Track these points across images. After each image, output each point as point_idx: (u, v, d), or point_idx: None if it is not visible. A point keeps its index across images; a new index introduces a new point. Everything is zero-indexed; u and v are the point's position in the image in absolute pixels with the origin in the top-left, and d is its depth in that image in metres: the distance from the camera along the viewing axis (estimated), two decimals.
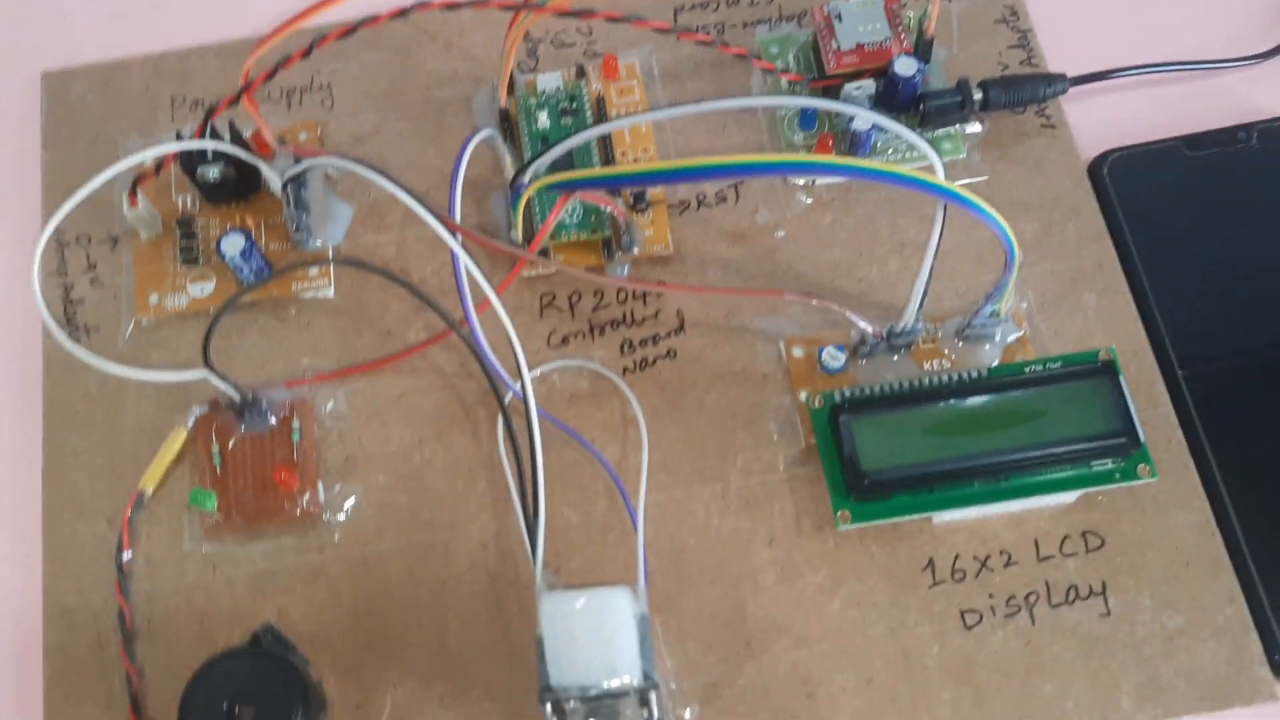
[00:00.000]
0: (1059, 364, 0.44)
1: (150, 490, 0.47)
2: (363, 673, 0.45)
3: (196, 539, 0.47)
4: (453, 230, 0.43)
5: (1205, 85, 0.53)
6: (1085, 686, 0.43)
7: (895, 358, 0.47)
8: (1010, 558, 0.45)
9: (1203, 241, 0.49)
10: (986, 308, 0.44)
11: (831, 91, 0.51)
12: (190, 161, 0.49)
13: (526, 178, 0.45)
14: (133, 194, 0.49)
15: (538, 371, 0.48)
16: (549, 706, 0.39)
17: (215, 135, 0.49)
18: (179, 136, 0.50)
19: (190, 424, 0.48)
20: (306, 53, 0.46)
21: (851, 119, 0.48)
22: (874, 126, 0.49)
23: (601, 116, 0.51)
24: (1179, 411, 0.47)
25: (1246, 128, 0.51)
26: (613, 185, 0.47)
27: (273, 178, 0.49)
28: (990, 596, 0.45)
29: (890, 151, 0.50)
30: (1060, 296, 0.49)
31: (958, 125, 0.51)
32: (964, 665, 0.44)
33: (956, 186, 0.38)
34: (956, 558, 0.45)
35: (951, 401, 0.43)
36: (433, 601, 0.46)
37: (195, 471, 0.48)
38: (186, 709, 0.42)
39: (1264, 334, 0.48)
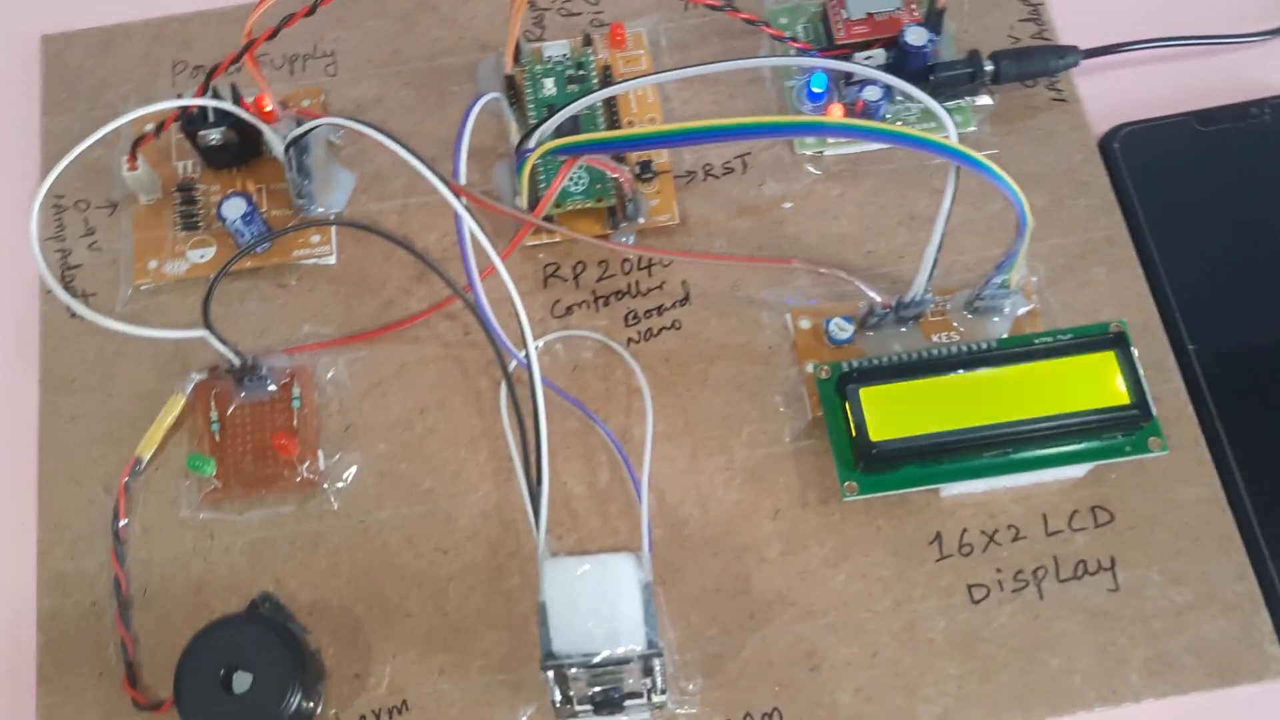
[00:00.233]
0: (1069, 335, 0.43)
1: (147, 457, 0.47)
2: (361, 642, 0.44)
3: (194, 506, 0.46)
4: (457, 193, 0.42)
5: (1218, 60, 0.53)
6: (1093, 662, 0.43)
7: (903, 329, 0.47)
8: (1018, 532, 0.45)
9: (1214, 216, 0.49)
10: (996, 277, 0.44)
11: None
12: (191, 125, 0.49)
13: (532, 143, 0.45)
14: (132, 156, 0.49)
15: (542, 341, 0.48)
16: (551, 674, 0.38)
17: (217, 97, 0.48)
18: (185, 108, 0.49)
19: (189, 390, 0.48)
20: (310, 10, 0.45)
21: (861, 88, 0.48)
22: (884, 98, 0.48)
23: (608, 85, 0.50)
24: (1189, 387, 0.46)
25: (1259, 103, 0.50)
26: (619, 148, 0.46)
27: (275, 141, 0.48)
28: (998, 571, 0.44)
29: (899, 125, 0.50)
30: (1070, 271, 0.48)
31: (968, 97, 0.50)
32: (970, 640, 0.43)
33: (968, 149, 0.38)
34: (964, 532, 0.45)
35: (961, 372, 0.43)
36: (433, 571, 0.45)
37: (193, 438, 0.47)
38: (182, 674, 0.41)
39: (1275, 308, 0.47)
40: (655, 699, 0.41)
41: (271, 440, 0.46)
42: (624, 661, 0.38)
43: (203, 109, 0.48)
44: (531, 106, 0.50)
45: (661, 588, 0.44)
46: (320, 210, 0.50)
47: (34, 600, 0.45)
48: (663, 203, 0.49)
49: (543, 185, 0.47)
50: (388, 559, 0.45)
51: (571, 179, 0.48)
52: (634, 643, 0.38)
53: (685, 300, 0.49)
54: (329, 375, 0.48)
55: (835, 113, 0.48)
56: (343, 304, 0.49)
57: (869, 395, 0.43)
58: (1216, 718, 0.43)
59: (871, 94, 0.48)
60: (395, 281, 0.50)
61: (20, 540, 0.46)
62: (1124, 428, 0.42)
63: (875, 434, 0.42)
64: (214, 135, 0.49)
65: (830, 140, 0.50)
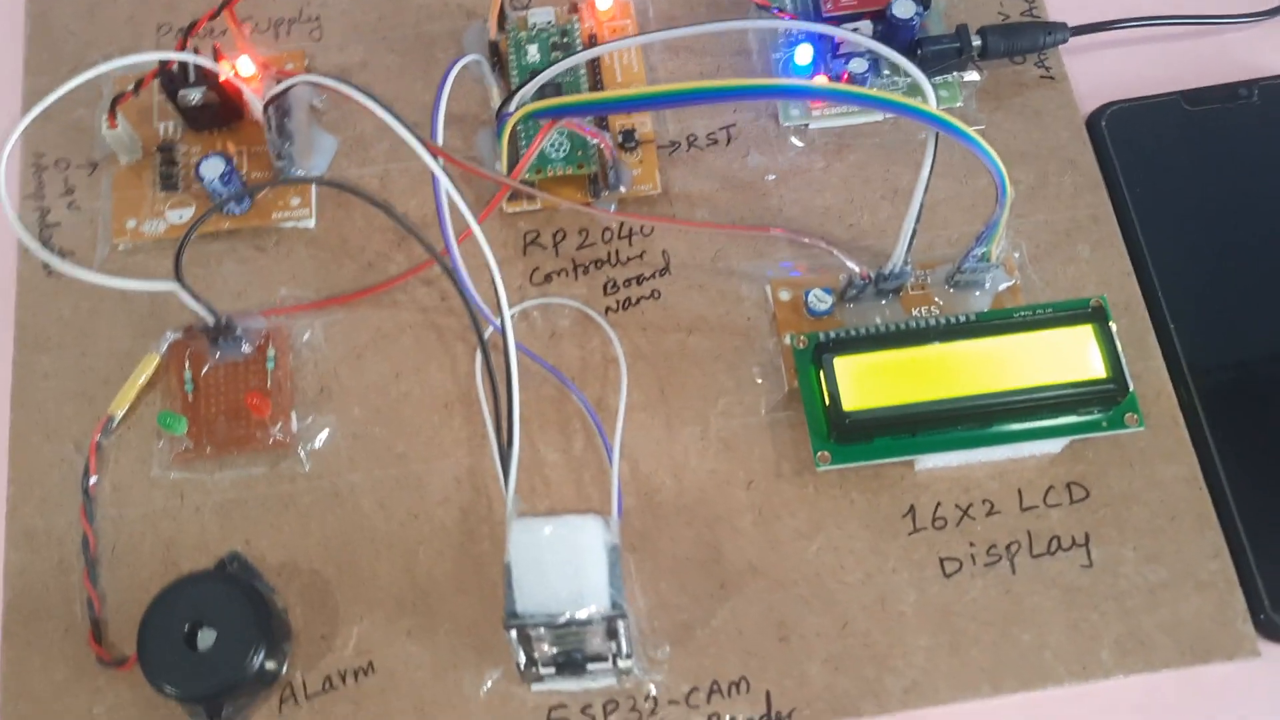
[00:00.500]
0: (1049, 309, 0.43)
1: (120, 415, 0.46)
2: (330, 604, 0.44)
3: (165, 466, 0.46)
4: (434, 153, 0.42)
5: (1207, 41, 0.52)
6: (1064, 637, 0.42)
7: (883, 302, 0.46)
8: (993, 506, 0.44)
9: (1200, 197, 0.49)
10: (977, 249, 0.43)
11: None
12: (172, 84, 0.48)
13: (512, 106, 0.45)
14: (112, 115, 0.48)
15: (519, 307, 0.48)
16: (514, 633, 0.38)
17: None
18: (163, 64, 0.49)
19: (163, 350, 0.47)
20: None
21: (847, 60, 0.48)
22: (869, 70, 0.48)
23: None
24: (1170, 366, 0.46)
25: (1248, 84, 0.50)
26: (599, 110, 0.46)
27: (254, 100, 0.48)
28: (971, 545, 0.44)
29: (877, 90, 0.49)
30: (1054, 247, 0.48)
31: (956, 73, 0.50)
32: (942, 613, 0.43)
33: (948, 116, 0.37)
34: (938, 505, 0.44)
35: (938, 344, 0.42)
36: (403, 535, 0.45)
37: (167, 398, 0.47)
38: (146, 628, 0.41)
39: (1258, 290, 0.47)
40: (621, 663, 0.40)
41: (244, 399, 0.45)
42: (587, 623, 0.37)
43: (184, 68, 0.48)
44: (515, 73, 0.50)
45: (633, 555, 0.44)
46: (300, 173, 0.50)
47: (1, 556, 0.45)
48: (645, 172, 0.49)
49: (523, 149, 0.47)
50: (359, 522, 0.45)
51: (552, 145, 0.48)
52: (598, 604, 0.37)
53: (665, 270, 0.49)
54: (305, 338, 0.48)
55: (820, 81, 0.48)
56: (321, 268, 0.49)
57: (844, 365, 0.42)
58: (1188, 696, 0.42)
59: (857, 66, 0.48)
60: (374, 246, 0.49)
61: None
62: (1101, 402, 0.42)
63: (849, 404, 0.42)
64: (194, 95, 0.48)
65: (815, 112, 0.50)
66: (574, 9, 0.51)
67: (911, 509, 0.44)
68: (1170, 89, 0.50)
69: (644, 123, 0.49)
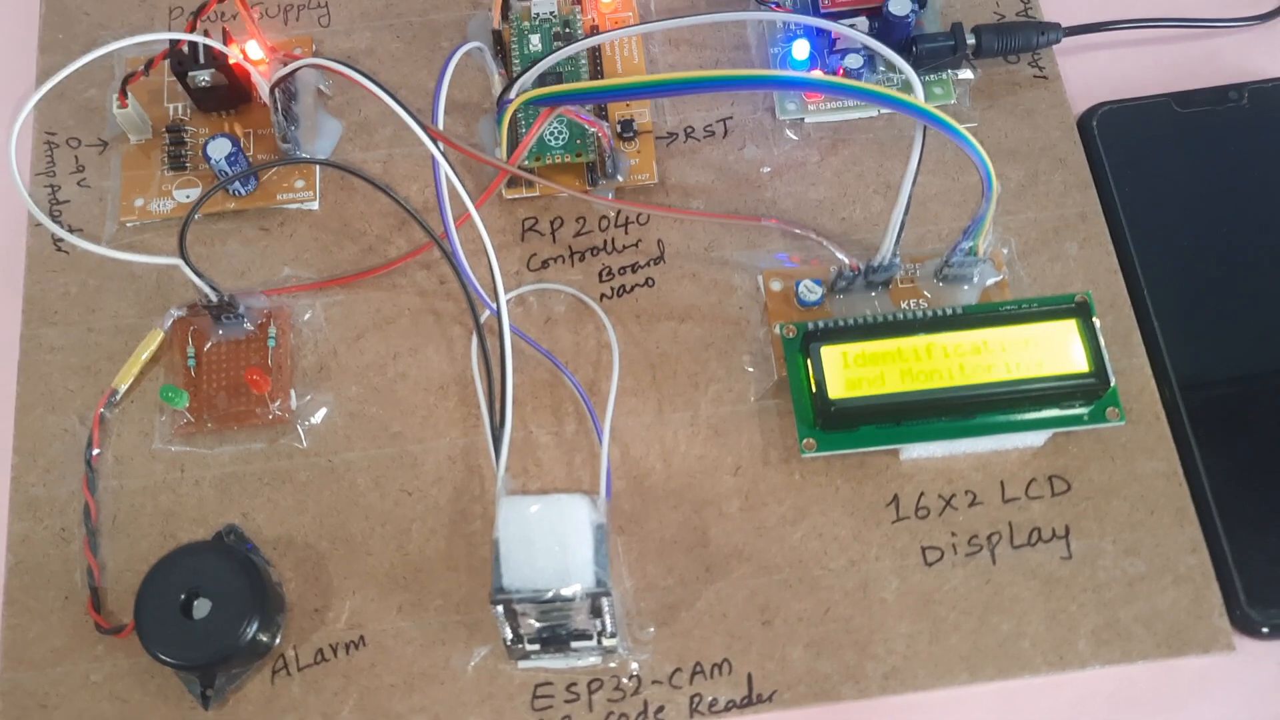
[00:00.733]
0: (1034, 304, 0.44)
1: (123, 389, 0.47)
2: (323, 578, 0.45)
3: (166, 439, 0.47)
4: (434, 137, 0.43)
5: (1200, 44, 0.53)
6: (1043, 627, 0.43)
7: (872, 294, 0.47)
8: (975, 497, 0.45)
9: (1188, 198, 0.49)
10: (964, 242, 0.44)
11: (826, 30, 0.50)
12: (181, 65, 0.49)
13: (512, 93, 0.45)
14: (122, 94, 0.49)
15: (515, 292, 0.49)
16: (500, 608, 0.39)
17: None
18: (173, 44, 0.50)
19: (167, 326, 0.48)
20: None
21: (843, 56, 0.48)
22: (864, 66, 0.49)
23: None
24: (1153, 362, 0.47)
25: (1238, 87, 0.51)
26: (597, 98, 0.47)
27: (261, 83, 0.49)
28: (953, 535, 0.45)
29: (868, 83, 0.50)
30: (1042, 244, 0.49)
31: (950, 70, 0.51)
32: (922, 601, 0.44)
33: (935, 109, 0.38)
34: (921, 495, 0.45)
35: (924, 335, 0.43)
36: (397, 512, 0.46)
37: (170, 373, 0.48)
38: (143, 596, 0.42)
39: (1243, 291, 0.48)
40: (606, 642, 0.41)
41: (245, 376, 0.46)
42: (572, 599, 0.38)
43: (194, 50, 0.49)
44: (518, 62, 0.51)
45: (621, 537, 0.45)
46: (305, 156, 0.50)
47: (5, 524, 0.46)
48: (642, 162, 0.50)
49: (523, 137, 0.48)
50: (354, 498, 0.46)
51: (551, 133, 0.49)
52: (583, 581, 0.38)
53: (660, 259, 0.49)
54: (306, 317, 0.49)
55: (815, 74, 0.49)
56: (323, 249, 0.50)
57: (831, 354, 0.43)
58: (1162, 688, 0.43)
59: (853, 62, 0.49)
60: (375, 230, 0.50)
61: None
62: (1083, 396, 0.43)
63: (835, 392, 0.43)
64: (203, 76, 0.49)
65: (811, 107, 0.50)
66: (577, 0, 0.52)
67: (895, 498, 0.45)
68: (1161, 91, 0.51)
69: (642, 113, 0.50)
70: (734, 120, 0.51)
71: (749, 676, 0.43)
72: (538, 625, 0.40)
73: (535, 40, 0.51)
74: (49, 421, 0.47)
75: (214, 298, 0.46)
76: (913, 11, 0.49)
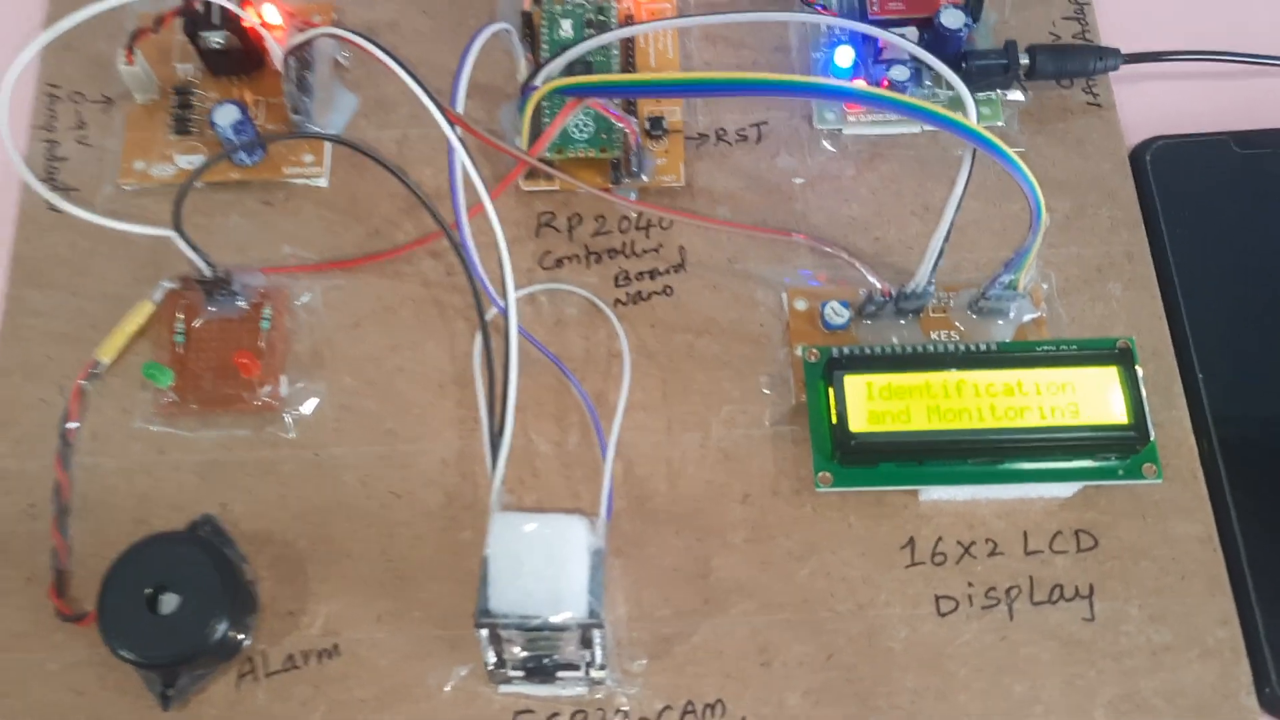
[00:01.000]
0: (1073, 347, 0.41)
1: (107, 361, 0.45)
2: (300, 579, 0.43)
3: (148, 418, 0.45)
4: (453, 121, 0.40)
5: (1265, 81, 0.50)
6: (1058, 692, 0.41)
7: (902, 322, 0.45)
8: (996, 547, 0.43)
9: (1242, 244, 0.47)
10: (1005, 275, 0.41)
11: (872, 37, 0.48)
12: (194, 25, 0.47)
13: (538, 81, 0.43)
14: (129, 50, 0.47)
15: (526, 290, 0.46)
16: (485, 632, 0.36)
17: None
18: (185, 1, 0.47)
19: (158, 298, 0.46)
20: None
21: (889, 67, 0.46)
22: (910, 79, 0.46)
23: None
24: (1194, 417, 0.44)
25: None
26: (626, 93, 0.44)
27: (276, 49, 0.46)
28: (969, 585, 0.42)
29: (914, 98, 0.47)
30: (1084, 283, 0.46)
31: (1000, 90, 0.48)
32: (932, 654, 0.41)
33: (989, 133, 0.36)
34: (939, 540, 0.43)
35: (956, 371, 0.41)
36: (383, 514, 0.43)
37: (157, 348, 0.46)
38: (108, 587, 0.40)
39: None
40: (594, 674, 0.39)
41: (234, 358, 0.44)
42: (562, 629, 0.36)
43: (207, 9, 0.47)
44: (546, 47, 0.48)
45: (618, 560, 0.42)
46: (316, 129, 0.48)
47: None
48: (670, 163, 0.47)
49: (546, 126, 0.45)
50: (339, 496, 0.44)
51: (576, 126, 0.46)
52: (575, 610, 0.36)
53: (680, 267, 0.47)
54: (303, 300, 0.46)
55: (859, 84, 0.46)
56: (327, 229, 0.48)
57: (855, 383, 0.41)
58: None
59: (899, 74, 0.46)
60: (383, 213, 0.48)
61: None
62: (1119, 449, 0.40)
63: (856, 425, 0.40)
64: (216, 38, 0.47)
65: (851, 118, 0.48)
66: None
67: (911, 541, 0.43)
68: (1221, 128, 0.49)
69: (673, 111, 0.48)
70: (769, 126, 0.49)
71: None
72: (523, 654, 0.37)
73: (566, 26, 0.48)
74: (25, 389, 0.45)
75: (208, 273, 0.44)
76: (966, 25, 0.46)
